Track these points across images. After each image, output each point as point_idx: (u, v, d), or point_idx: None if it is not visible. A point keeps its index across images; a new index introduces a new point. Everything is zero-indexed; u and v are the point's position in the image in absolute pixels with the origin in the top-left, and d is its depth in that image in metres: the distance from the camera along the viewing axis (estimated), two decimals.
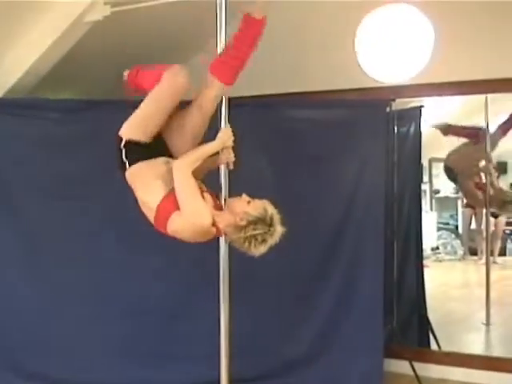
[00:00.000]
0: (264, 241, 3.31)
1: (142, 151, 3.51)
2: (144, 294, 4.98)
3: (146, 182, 3.46)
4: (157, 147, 3.56)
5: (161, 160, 3.51)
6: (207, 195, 3.45)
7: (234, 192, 3.62)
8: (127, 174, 3.54)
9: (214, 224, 3.33)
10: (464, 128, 5.94)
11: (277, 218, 3.36)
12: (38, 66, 4.92)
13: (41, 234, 4.98)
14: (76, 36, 4.77)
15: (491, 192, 6.09)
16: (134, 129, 3.54)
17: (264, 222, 3.30)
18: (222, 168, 3.62)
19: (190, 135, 3.61)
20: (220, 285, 3.70)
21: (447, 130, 5.81)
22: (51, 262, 4.97)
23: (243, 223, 3.30)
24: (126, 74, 4.03)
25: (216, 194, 3.58)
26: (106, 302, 4.97)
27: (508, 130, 5.95)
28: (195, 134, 3.61)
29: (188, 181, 3.30)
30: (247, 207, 3.33)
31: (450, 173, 6.43)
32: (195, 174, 3.43)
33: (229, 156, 3.59)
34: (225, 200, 3.56)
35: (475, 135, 6.06)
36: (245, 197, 3.39)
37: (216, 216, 3.36)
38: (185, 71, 3.51)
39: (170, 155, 3.59)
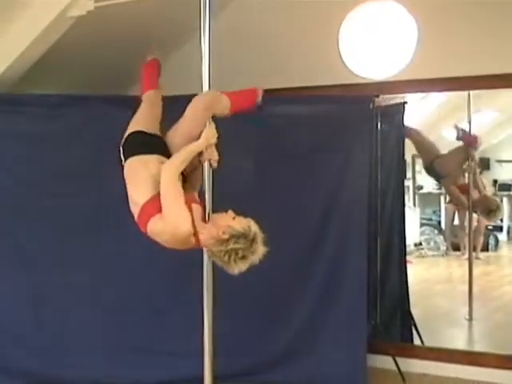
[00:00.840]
0: (244, 257, 3.29)
1: (139, 145, 3.58)
2: (130, 290, 4.97)
3: (137, 179, 3.47)
4: (155, 144, 3.60)
5: (155, 158, 3.51)
6: (196, 206, 3.45)
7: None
8: (124, 168, 3.58)
9: (194, 234, 3.32)
10: None
11: (260, 236, 3.35)
12: (21, 61, 4.88)
13: (28, 231, 4.97)
14: (59, 31, 4.74)
15: (476, 196, 6.13)
16: (128, 129, 3.71)
17: (247, 237, 3.29)
18: (206, 168, 3.61)
19: (189, 135, 3.61)
20: (203, 283, 3.69)
21: None
22: (38, 260, 4.95)
23: (226, 236, 3.29)
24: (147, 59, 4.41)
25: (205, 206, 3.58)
26: (92, 299, 4.96)
27: None
28: (193, 135, 3.60)
29: (173, 184, 3.29)
30: (232, 221, 3.33)
31: (435, 175, 6.47)
32: (192, 183, 3.53)
33: (212, 154, 3.58)
34: (209, 214, 3.54)
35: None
36: (230, 212, 3.38)
37: (200, 227, 3.35)
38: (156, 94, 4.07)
39: (168, 155, 3.58)
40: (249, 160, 5.10)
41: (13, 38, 4.77)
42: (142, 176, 3.45)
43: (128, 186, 3.50)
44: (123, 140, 3.67)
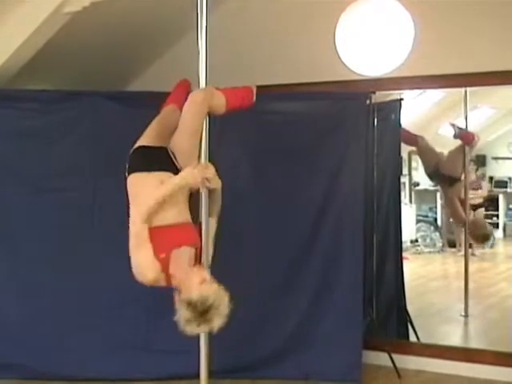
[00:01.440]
0: (189, 322, 3.16)
1: (141, 162, 3.58)
2: (128, 287, 4.95)
3: (136, 202, 3.49)
4: (158, 160, 3.58)
5: (156, 177, 3.50)
6: (182, 250, 3.43)
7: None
8: (127, 182, 3.59)
9: (166, 278, 3.35)
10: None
11: (216, 311, 3.16)
12: (16, 57, 4.88)
13: (19, 227, 4.98)
14: (55, 27, 4.74)
15: (470, 217, 6.10)
16: (136, 143, 3.71)
17: (194, 309, 3.14)
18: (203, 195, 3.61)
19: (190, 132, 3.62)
20: None
21: None
22: (32, 254, 4.97)
23: (182, 297, 3.20)
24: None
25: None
26: (89, 296, 4.97)
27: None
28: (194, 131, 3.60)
29: (136, 229, 3.32)
30: (194, 285, 3.21)
31: (442, 179, 6.38)
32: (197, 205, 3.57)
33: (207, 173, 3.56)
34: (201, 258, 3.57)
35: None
36: (204, 275, 3.30)
37: (180, 270, 3.34)
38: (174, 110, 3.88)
39: (172, 165, 3.58)
40: (246, 156, 5.10)
41: (8, 33, 4.76)
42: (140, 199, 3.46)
43: (130, 204, 3.52)
44: (129, 155, 3.67)
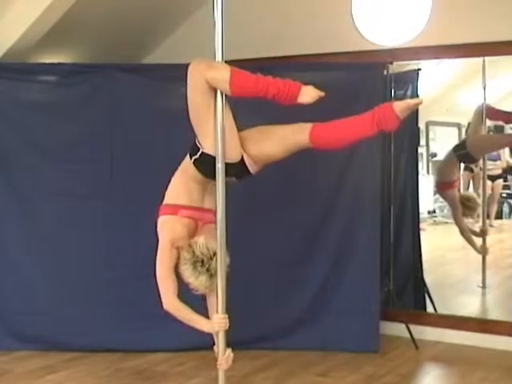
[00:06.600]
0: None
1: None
2: (145, 256, 4.98)
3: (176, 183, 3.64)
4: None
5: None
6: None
7: None
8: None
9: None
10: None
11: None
12: (32, 31, 4.90)
13: (39, 197, 5.03)
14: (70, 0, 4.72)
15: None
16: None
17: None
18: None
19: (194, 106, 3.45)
20: (217, 251, 3.66)
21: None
22: (50, 225, 5.05)
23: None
24: None
25: None
26: (101, 265, 5.03)
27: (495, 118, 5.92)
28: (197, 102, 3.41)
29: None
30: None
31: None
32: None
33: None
34: None
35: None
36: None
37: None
38: None
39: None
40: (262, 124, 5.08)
41: (25, 6, 4.76)
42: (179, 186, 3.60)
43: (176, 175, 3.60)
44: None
